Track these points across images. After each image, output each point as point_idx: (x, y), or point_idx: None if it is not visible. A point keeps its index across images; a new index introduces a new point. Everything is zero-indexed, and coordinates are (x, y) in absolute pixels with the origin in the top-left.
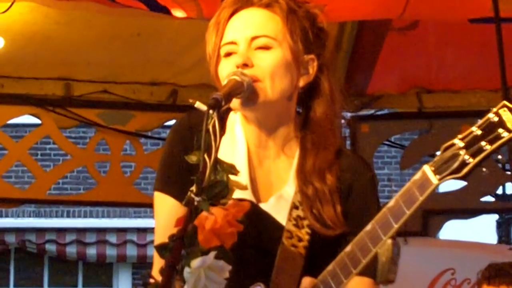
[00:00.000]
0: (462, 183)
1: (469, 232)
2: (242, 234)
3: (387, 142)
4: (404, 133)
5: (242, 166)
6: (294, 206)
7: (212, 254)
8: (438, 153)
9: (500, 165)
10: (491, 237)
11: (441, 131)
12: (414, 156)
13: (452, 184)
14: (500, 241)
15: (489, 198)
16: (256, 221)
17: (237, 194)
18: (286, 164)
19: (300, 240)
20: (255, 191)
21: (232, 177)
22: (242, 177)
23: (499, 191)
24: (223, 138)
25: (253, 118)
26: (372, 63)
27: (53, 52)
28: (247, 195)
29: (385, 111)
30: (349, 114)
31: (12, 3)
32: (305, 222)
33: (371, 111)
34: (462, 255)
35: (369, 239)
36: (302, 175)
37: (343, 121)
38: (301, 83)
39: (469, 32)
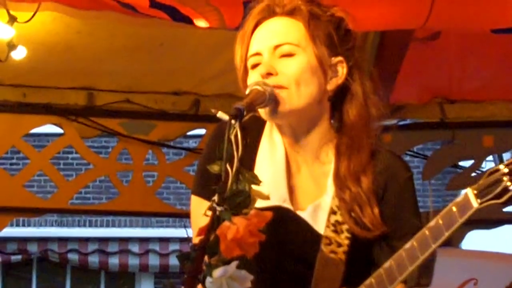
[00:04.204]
0: None
1: (492, 243)
2: (279, 241)
3: (409, 152)
4: (426, 143)
5: (280, 173)
6: (332, 212)
7: (234, 263)
8: (461, 163)
9: None
10: None
11: (464, 141)
12: (437, 166)
13: None
14: None
15: None
16: (294, 228)
17: (274, 201)
18: (323, 171)
19: (339, 245)
20: (293, 199)
21: (254, 186)
22: (281, 185)
23: None
24: (261, 145)
25: (285, 125)
26: (394, 73)
27: (75, 62)
28: (285, 202)
29: (408, 121)
30: None
31: (35, 13)
32: (344, 227)
33: (393, 121)
34: (484, 265)
35: (406, 256)
36: (338, 181)
37: None
38: (330, 86)
39: (491, 42)
